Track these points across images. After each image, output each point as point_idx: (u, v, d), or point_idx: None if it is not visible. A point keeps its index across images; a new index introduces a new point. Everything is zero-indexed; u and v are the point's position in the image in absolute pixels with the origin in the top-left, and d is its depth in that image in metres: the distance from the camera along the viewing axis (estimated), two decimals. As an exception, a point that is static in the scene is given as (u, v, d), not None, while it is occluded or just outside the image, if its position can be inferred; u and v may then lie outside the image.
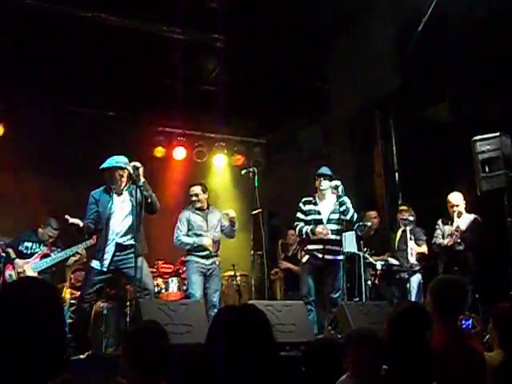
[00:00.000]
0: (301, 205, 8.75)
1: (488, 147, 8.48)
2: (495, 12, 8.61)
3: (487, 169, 8.45)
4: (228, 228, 8.85)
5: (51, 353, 2.28)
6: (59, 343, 2.38)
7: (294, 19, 10.20)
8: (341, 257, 8.41)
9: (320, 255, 8.41)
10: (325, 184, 8.63)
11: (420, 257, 9.28)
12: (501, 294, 7.71)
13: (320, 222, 8.52)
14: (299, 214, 8.74)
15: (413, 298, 8.67)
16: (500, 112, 9.35)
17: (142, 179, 7.36)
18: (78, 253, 8.45)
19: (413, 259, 9.07)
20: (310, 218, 8.61)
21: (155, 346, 3.43)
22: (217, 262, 8.82)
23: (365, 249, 9.31)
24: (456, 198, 8.97)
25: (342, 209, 8.41)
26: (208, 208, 8.97)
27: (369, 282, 9.33)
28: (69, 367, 2.56)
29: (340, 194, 8.40)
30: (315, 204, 8.68)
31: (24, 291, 2.37)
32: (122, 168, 7.57)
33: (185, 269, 9.13)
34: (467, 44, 9.10)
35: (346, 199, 8.45)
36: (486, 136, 8.52)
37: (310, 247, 8.48)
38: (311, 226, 8.52)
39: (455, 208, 8.91)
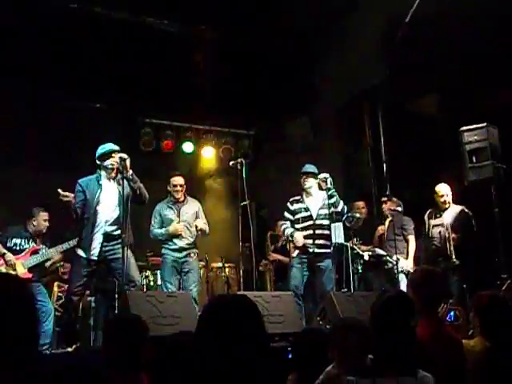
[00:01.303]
0: (288, 204, 8.80)
1: (475, 137, 8.52)
2: (482, 3, 8.61)
3: (474, 159, 8.49)
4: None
5: (18, 348, 2.28)
6: (27, 338, 2.37)
7: (282, 11, 10.18)
8: (329, 250, 8.45)
9: (310, 249, 8.43)
10: (309, 182, 8.64)
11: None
12: (489, 284, 7.74)
13: (309, 218, 8.55)
14: (286, 214, 8.83)
15: (401, 288, 8.69)
16: (487, 103, 9.37)
17: (130, 171, 7.36)
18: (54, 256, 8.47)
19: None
20: (298, 216, 8.65)
21: (131, 341, 3.43)
22: (192, 255, 8.81)
23: (354, 239, 9.32)
24: (443, 189, 8.98)
25: (331, 201, 8.40)
26: (184, 200, 8.97)
27: (359, 270, 9.37)
28: (39, 362, 2.54)
29: (329, 186, 8.40)
30: (302, 202, 8.72)
31: None
32: (119, 151, 7.58)
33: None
34: (454, 35, 9.12)
35: (334, 191, 8.45)
36: (474, 126, 8.56)
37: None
38: (291, 230, 8.64)
39: (444, 198, 8.93)
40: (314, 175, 8.65)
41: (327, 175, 8.46)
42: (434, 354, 3.83)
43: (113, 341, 3.51)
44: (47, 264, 8.56)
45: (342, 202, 8.54)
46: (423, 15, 9.32)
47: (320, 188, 8.63)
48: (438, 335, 4.08)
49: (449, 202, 8.94)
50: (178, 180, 8.94)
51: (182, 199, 8.93)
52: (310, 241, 8.47)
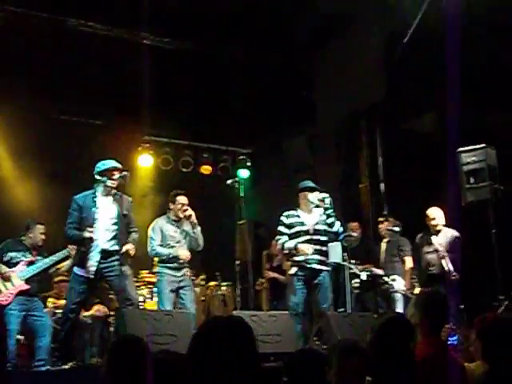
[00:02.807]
0: (283, 218, 8.47)
1: (473, 158, 8.53)
2: (481, 22, 8.66)
3: (472, 180, 8.49)
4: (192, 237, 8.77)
5: None
6: None
7: (281, 29, 10.23)
8: (327, 267, 8.36)
9: (308, 265, 8.26)
10: (313, 196, 8.47)
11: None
12: (486, 305, 7.73)
13: (306, 232, 8.36)
14: (282, 228, 8.45)
15: (398, 309, 8.67)
16: (486, 123, 9.40)
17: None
18: (69, 254, 8.34)
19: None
20: (295, 230, 8.34)
21: (136, 363, 3.40)
22: (187, 273, 8.75)
23: (352, 260, 9.30)
24: (434, 213, 8.83)
25: (329, 221, 8.30)
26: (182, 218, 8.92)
27: (355, 291, 9.34)
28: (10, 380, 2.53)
29: (327, 206, 8.29)
30: (298, 216, 8.43)
31: None
32: (121, 169, 7.56)
33: (156, 280, 8.92)
34: (453, 55, 9.15)
35: (332, 211, 8.34)
36: (471, 147, 8.57)
37: (296, 258, 8.34)
38: (294, 242, 8.26)
39: (434, 222, 8.80)
40: (318, 190, 8.54)
41: (326, 195, 8.34)
42: (436, 376, 3.83)
43: (117, 362, 3.47)
44: (51, 270, 8.51)
45: (338, 223, 8.39)
46: (422, 34, 9.36)
47: (316, 206, 8.52)
48: (441, 358, 4.08)
49: (440, 226, 8.79)
50: (182, 199, 8.80)
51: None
52: (309, 256, 8.29)
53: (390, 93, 10.26)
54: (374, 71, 10.47)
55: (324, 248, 8.38)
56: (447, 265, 8.41)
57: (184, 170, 12.80)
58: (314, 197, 8.39)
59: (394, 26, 9.86)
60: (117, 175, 7.49)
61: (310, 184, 8.50)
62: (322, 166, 11.93)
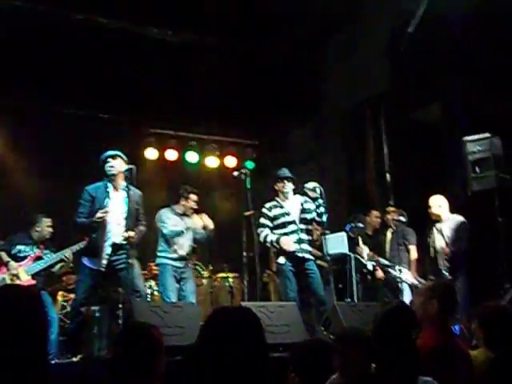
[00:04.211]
0: (265, 210, 8.42)
1: (478, 148, 8.53)
2: (485, 12, 8.64)
3: (477, 169, 8.49)
4: (201, 234, 8.97)
5: (29, 361, 2.30)
6: (37, 349, 2.40)
7: (286, 20, 10.23)
8: (312, 256, 8.36)
9: (299, 254, 8.23)
10: (289, 187, 8.47)
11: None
12: (491, 294, 7.75)
13: (293, 222, 8.30)
14: (264, 220, 8.39)
15: (404, 298, 8.69)
16: (491, 113, 9.39)
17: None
18: (65, 258, 8.39)
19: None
20: (280, 221, 8.34)
21: (146, 349, 3.41)
22: (189, 264, 8.85)
23: (364, 246, 9.35)
24: (432, 200, 8.90)
25: (319, 211, 8.27)
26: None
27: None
28: (50, 373, 2.56)
29: (318, 195, 8.28)
30: (281, 207, 8.42)
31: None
32: (116, 156, 7.65)
33: (158, 273, 8.99)
34: (458, 44, 9.15)
35: (323, 202, 8.29)
36: (477, 137, 8.57)
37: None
38: (277, 236, 8.25)
39: (431, 210, 8.85)
40: (292, 180, 8.53)
41: (316, 184, 8.31)
42: (444, 365, 3.87)
43: (127, 347, 3.47)
44: (56, 267, 8.56)
45: (326, 214, 8.37)
46: (427, 25, 9.35)
47: (303, 194, 8.49)
48: (448, 346, 4.11)
49: (441, 214, 8.85)
50: (197, 197, 8.97)
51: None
52: (298, 246, 8.24)
53: (395, 82, 10.24)
54: (380, 61, 10.45)
55: (309, 237, 8.40)
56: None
57: (190, 162, 12.83)
58: (291, 186, 8.43)
59: (399, 15, 9.84)
60: (112, 162, 7.58)
61: (288, 174, 8.51)
62: (327, 156, 11.94)
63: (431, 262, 8.92)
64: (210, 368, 2.32)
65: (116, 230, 7.50)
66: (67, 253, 8.30)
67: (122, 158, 7.69)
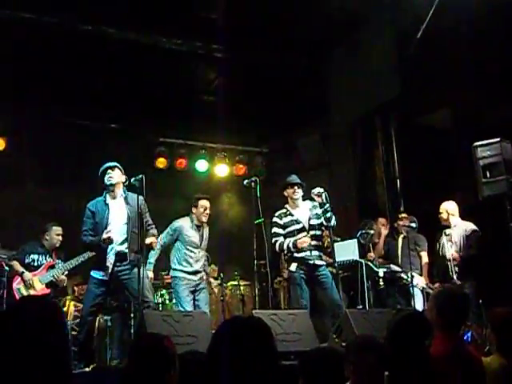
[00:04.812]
0: (276, 219, 8.45)
1: (489, 153, 8.50)
2: (494, 18, 8.63)
3: (488, 174, 8.46)
4: None
5: (54, 370, 2.30)
6: (62, 360, 2.40)
7: (293, 28, 10.24)
8: (324, 262, 8.36)
9: (311, 261, 8.24)
10: (299, 193, 8.49)
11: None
12: (505, 299, 7.70)
13: (303, 229, 8.32)
14: (277, 229, 8.42)
15: (417, 305, 8.65)
16: (500, 117, 9.36)
17: None
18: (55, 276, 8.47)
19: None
20: (290, 229, 8.37)
21: (160, 362, 3.39)
22: (204, 277, 8.87)
23: (373, 254, 9.33)
24: (443, 206, 9.01)
25: (327, 215, 8.26)
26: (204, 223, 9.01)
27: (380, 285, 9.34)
28: (73, 382, 2.57)
29: (324, 200, 8.28)
30: (291, 214, 8.44)
31: (23, 313, 2.40)
32: (114, 167, 7.68)
33: (172, 285, 9.00)
34: (467, 50, 9.14)
35: (329, 206, 8.28)
36: (487, 142, 8.53)
37: (296, 255, 8.32)
38: (292, 240, 8.26)
39: (441, 215, 8.95)
40: (302, 186, 8.54)
41: (322, 190, 8.29)
42: (454, 371, 3.83)
43: (140, 360, 3.45)
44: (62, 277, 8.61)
45: (334, 218, 8.38)
46: (436, 30, 9.34)
47: (311, 199, 8.50)
48: (459, 354, 4.08)
49: (450, 219, 8.90)
50: (207, 203, 8.92)
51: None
52: (309, 252, 8.26)
53: (404, 89, 10.22)
54: (388, 67, 10.44)
55: (320, 243, 8.41)
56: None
57: (200, 170, 12.84)
58: (301, 193, 8.44)
59: (407, 21, 9.84)
60: (111, 173, 7.63)
61: (298, 180, 8.52)
62: (337, 164, 11.93)
63: (440, 268, 8.92)
64: (221, 377, 2.31)
65: (118, 238, 7.53)
66: (74, 263, 8.37)
67: (119, 169, 7.74)
